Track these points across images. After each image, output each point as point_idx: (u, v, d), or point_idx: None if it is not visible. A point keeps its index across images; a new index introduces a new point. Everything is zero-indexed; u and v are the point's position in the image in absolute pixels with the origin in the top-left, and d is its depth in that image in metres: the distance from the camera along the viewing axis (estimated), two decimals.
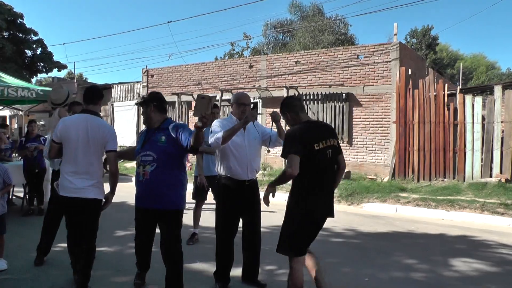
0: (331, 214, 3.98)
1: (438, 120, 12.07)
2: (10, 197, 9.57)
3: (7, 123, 17.80)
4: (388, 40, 28.81)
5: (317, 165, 3.75)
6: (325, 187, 3.90)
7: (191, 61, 21.40)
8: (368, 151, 13.73)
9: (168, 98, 18.82)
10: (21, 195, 9.16)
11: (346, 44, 26.26)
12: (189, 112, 18.43)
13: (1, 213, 5.27)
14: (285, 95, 14.67)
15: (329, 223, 7.89)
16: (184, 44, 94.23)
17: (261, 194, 4.24)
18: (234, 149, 4.52)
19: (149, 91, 19.79)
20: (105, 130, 4.32)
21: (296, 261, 3.83)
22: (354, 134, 13.99)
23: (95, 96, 4.55)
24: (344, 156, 4.21)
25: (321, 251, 6.18)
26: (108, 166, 4.37)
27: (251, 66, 16.51)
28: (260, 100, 16.03)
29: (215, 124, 4.56)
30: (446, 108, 12.00)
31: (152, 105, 4.24)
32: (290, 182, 3.91)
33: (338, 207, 9.99)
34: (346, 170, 12.47)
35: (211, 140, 4.28)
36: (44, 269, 5.34)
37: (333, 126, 14.11)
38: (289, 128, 3.96)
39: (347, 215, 9.01)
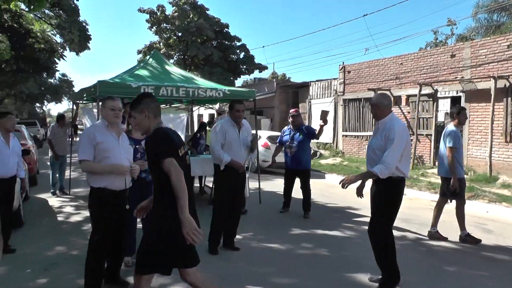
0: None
1: None
2: (202, 186, 10.53)
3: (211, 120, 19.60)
4: None
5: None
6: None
7: (388, 54, 20.47)
8: None
9: (365, 94, 18.39)
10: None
11: None
12: None
13: None
14: (493, 86, 12.93)
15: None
16: (380, 36, 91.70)
17: None
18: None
19: (345, 88, 19.67)
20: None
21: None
22: None
23: None
24: None
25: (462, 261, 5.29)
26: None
27: (453, 55, 14.93)
28: (463, 94, 14.37)
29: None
30: None
31: (298, 116, 8.55)
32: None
33: None
34: None
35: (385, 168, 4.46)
36: (212, 258, 5.58)
37: None
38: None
39: None
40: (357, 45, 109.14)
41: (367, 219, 7.79)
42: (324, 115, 7.82)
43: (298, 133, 8.29)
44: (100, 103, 5.54)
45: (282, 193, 8.81)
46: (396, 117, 4.82)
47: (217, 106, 9.20)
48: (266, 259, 5.64)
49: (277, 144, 8.93)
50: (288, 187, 8.64)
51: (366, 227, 7.36)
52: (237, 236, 6.18)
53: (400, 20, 77.41)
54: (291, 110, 8.81)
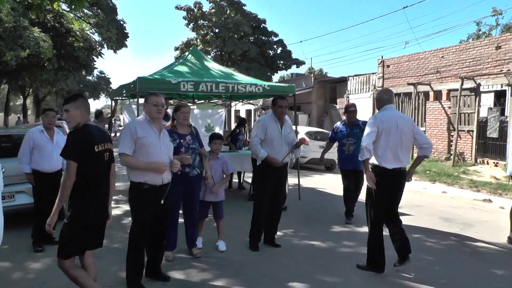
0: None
1: None
2: (241, 181, 10.60)
3: (243, 116, 19.68)
4: None
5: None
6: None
7: (428, 47, 20.00)
8: None
9: (404, 89, 18.06)
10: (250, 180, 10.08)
11: None
12: (426, 104, 17.23)
13: (219, 199, 5.79)
14: None
15: None
16: (420, 29, 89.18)
17: None
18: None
19: (384, 82, 19.33)
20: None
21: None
22: None
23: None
24: None
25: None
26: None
27: (498, 47, 14.40)
28: (509, 88, 13.82)
29: None
30: None
31: (356, 111, 7.55)
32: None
33: None
34: None
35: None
36: (253, 255, 5.60)
37: None
38: None
39: None
40: (397, 39, 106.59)
41: (410, 218, 7.72)
42: None
43: (356, 129, 7.43)
44: (141, 99, 5.59)
45: (343, 197, 7.75)
46: (390, 108, 5.04)
47: (261, 101, 9.04)
48: (308, 257, 5.57)
49: (328, 141, 8.16)
50: (351, 191, 7.60)
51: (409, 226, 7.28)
52: (278, 233, 6.14)
53: (441, 12, 75.25)
54: (348, 104, 8.02)
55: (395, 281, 4.81)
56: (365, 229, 6.87)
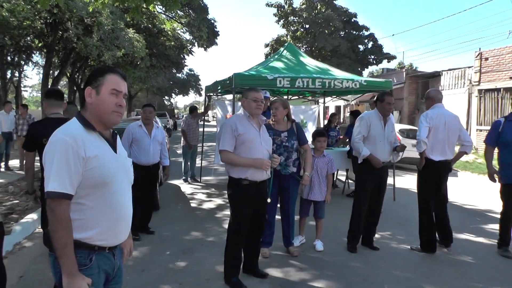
0: None
1: None
2: (334, 179, 10.47)
3: (337, 112, 19.39)
4: None
5: None
6: None
7: None
8: None
9: (505, 83, 16.94)
10: (343, 178, 10.12)
11: None
12: None
13: (322, 199, 5.70)
14: None
15: None
16: None
17: None
18: None
19: (481, 77, 18.26)
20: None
21: None
22: None
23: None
24: None
25: None
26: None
27: None
28: None
29: None
30: None
31: None
32: None
33: None
34: None
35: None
36: (351, 257, 5.46)
37: None
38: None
39: None
40: (498, 28, 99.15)
41: None
42: None
43: None
44: (238, 95, 5.63)
45: (499, 222, 5.75)
46: (440, 107, 5.54)
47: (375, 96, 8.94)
48: (408, 263, 5.31)
49: (487, 145, 5.84)
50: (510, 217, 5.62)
51: None
52: (375, 235, 5.95)
53: None
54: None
55: None
56: (466, 236, 6.53)
